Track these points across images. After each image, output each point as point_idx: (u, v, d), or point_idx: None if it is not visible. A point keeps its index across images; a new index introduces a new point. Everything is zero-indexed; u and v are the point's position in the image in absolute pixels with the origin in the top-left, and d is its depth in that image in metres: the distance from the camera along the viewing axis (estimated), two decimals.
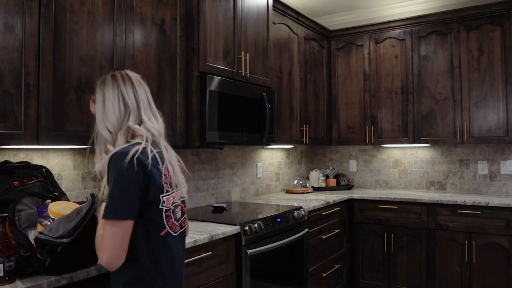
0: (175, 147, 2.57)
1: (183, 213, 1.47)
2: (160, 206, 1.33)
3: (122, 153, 1.27)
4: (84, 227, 1.47)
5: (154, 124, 1.41)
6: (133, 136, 1.37)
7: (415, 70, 3.89)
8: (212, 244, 2.14)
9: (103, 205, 1.28)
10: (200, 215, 2.70)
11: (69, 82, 1.83)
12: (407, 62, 3.94)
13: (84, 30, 1.89)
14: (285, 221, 2.73)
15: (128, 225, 1.25)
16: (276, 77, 3.41)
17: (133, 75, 1.45)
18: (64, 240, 1.42)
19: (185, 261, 1.94)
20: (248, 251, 2.34)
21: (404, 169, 4.27)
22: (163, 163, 1.36)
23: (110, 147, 1.36)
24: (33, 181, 1.63)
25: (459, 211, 3.39)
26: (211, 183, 3.23)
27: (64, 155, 2.17)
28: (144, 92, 1.44)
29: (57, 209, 1.51)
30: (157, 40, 2.29)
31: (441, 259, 3.46)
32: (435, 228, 3.48)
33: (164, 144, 1.42)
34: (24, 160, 1.84)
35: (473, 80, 3.63)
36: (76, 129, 1.85)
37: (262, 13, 3.07)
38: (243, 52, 2.82)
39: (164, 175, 1.36)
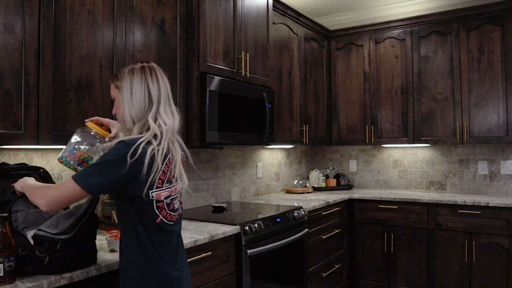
0: None
1: (180, 203, 1.55)
2: (150, 199, 1.38)
3: (126, 143, 1.32)
4: (83, 224, 1.47)
5: (168, 119, 1.45)
6: (146, 129, 1.41)
7: (415, 70, 3.89)
8: (212, 244, 2.14)
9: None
10: (200, 215, 2.70)
11: (69, 82, 1.83)
12: (407, 62, 3.94)
13: (84, 30, 1.89)
14: (285, 221, 2.73)
15: (84, 196, 1.33)
16: (276, 77, 3.41)
17: (159, 70, 1.51)
18: (63, 236, 1.42)
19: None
20: (248, 251, 2.34)
21: (404, 169, 4.27)
22: (164, 159, 1.40)
23: (121, 134, 1.42)
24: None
25: (459, 211, 3.39)
26: (211, 183, 3.23)
27: None
28: (165, 88, 1.49)
29: (99, 129, 1.57)
30: (157, 40, 2.29)
31: (441, 259, 3.46)
32: (435, 228, 3.48)
33: (172, 140, 1.45)
34: (22, 162, 1.83)
35: (473, 80, 3.63)
36: (76, 129, 1.85)
37: (262, 13, 3.08)
38: (243, 52, 2.82)
39: (163, 171, 1.40)
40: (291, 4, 3.97)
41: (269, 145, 3.15)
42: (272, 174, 4.04)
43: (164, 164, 1.39)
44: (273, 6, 3.28)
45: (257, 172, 3.79)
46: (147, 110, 1.42)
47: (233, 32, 2.77)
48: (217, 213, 2.82)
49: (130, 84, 1.43)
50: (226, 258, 2.27)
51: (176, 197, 1.49)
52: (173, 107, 1.50)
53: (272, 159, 4.04)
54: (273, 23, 3.31)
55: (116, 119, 1.58)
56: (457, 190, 3.99)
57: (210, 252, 2.12)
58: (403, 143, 3.98)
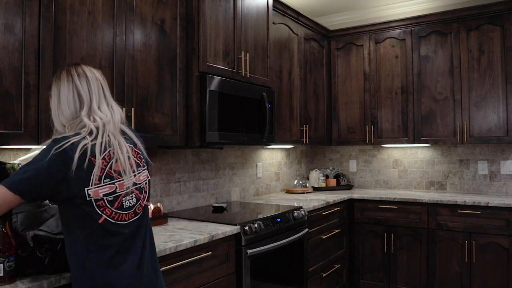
0: (175, 147, 2.58)
1: (137, 199, 1.43)
2: (88, 199, 1.30)
3: (56, 140, 1.30)
4: None
5: (105, 113, 1.40)
6: (81, 128, 1.36)
7: (415, 70, 3.89)
8: (212, 244, 2.14)
9: None
10: (200, 215, 2.70)
11: None
12: (407, 62, 3.94)
13: (84, 30, 1.89)
14: (285, 221, 2.73)
15: (16, 200, 1.27)
16: (276, 77, 3.41)
17: (88, 70, 1.45)
18: (63, 236, 1.42)
19: (185, 261, 1.95)
20: (248, 251, 2.34)
21: (404, 169, 4.27)
22: (102, 153, 1.33)
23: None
24: None
25: (459, 211, 3.39)
26: (211, 183, 3.23)
27: None
28: (97, 85, 1.44)
29: None
30: (157, 40, 2.29)
31: (441, 259, 3.46)
32: (435, 228, 3.48)
33: (114, 133, 1.39)
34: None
35: (473, 80, 3.63)
36: None
37: (262, 13, 3.08)
38: (243, 52, 2.82)
39: (101, 168, 1.32)
40: (291, 4, 3.97)
41: (269, 145, 3.15)
42: (272, 174, 4.04)
43: (101, 159, 1.32)
44: (273, 6, 3.28)
45: (257, 172, 3.79)
46: (78, 111, 1.39)
47: (233, 32, 2.77)
48: (217, 213, 2.82)
49: (58, 90, 1.40)
50: (226, 258, 2.27)
51: (127, 193, 1.38)
52: (111, 100, 1.46)
53: (272, 159, 4.04)
54: (273, 23, 3.31)
55: None
56: (457, 190, 3.99)
57: (210, 252, 2.12)
58: (403, 143, 3.98)
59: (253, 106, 2.89)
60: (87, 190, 1.29)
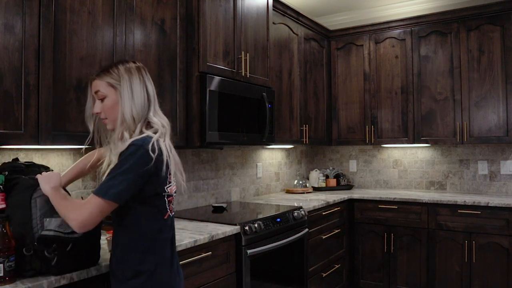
0: (175, 147, 2.58)
1: None
2: (164, 194, 1.42)
3: (139, 145, 1.32)
4: None
5: (166, 120, 1.49)
6: (147, 127, 1.43)
7: (415, 70, 3.89)
8: (212, 244, 2.14)
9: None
10: (200, 215, 2.70)
11: (69, 82, 1.83)
12: (407, 62, 3.94)
13: (84, 30, 1.89)
14: (285, 221, 2.73)
15: (114, 208, 1.33)
16: (276, 77, 3.40)
17: (147, 71, 1.53)
18: (76, 235, 1.43)
19: (185, 261, 1.96)
20: (248, 251, 2.34)
21: (404, 169, 4.27)
22: (169, 156, 1.42)
23: (126, 134, 1.39)
24: None
25: (459, 211, 3.39)
26: (211, 183, 3.23)
27: (64, 155, 2.17)
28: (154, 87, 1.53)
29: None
30: (157, 40, 2.29)
31: (441, 259, 3.46)
32: (435, 228, 3.48)
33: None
34: (30, 161, 1.83)
35: (473, 80, 3.63)
36: (76, 129, 1.85)
37: (262, 13, 3.07)
38: (243, 52, 2.82)
39: (169, 167, 1.43)
40: (291, 4, 3.97)
41: (269, 145, 3.15)
42: (272, 174, 4.04)
43: (171, 159, 1.43)
44: (273, 6, 3.28)
45: (257, 172, 3.79)
46: (147, 109, 1.44)
47: (233, 32, 2.77)
48: (217, 213, 2.82)
49: (130, 83, 1.42)
50: (226, 258, 2.27)
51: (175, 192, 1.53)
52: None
53: (272, 159, 4.04)
54: (273, 23, 3.31)
55: (97, 120, 1.53)
56: (457, 190, 3.99)
57: (210, 252, 2.12)
58: (403, 143, 3.98)
59: (253, 106, 2.89)
60: (166, 187, 1.42)
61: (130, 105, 1.40)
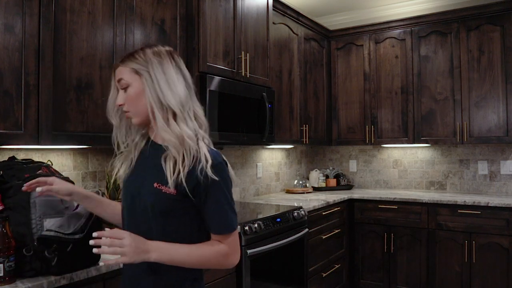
0: None
1: None
2: None
3: (222, 162, 1.20)
4: (91, 223, 1.48)
5: (201, 107, 1.29)
6: (195, 117, 1.24)
7: (415, 70, 3.89)
8: None
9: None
10: None
11: (69, 82, 1.83)
12: (407, 62, 3.94)
13: (84, 30, 1.89)
14: (285, 221, 2.73)
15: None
16: (276, 77, 3.40)
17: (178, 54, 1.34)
18: (77, 236, 1.42)
19: None
20: (248, 251, 2.34)
21: (404, 169, 4.27)
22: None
23: (184, 126, 1.19)
24: (44, 172, 1.62)
25: (459, 211, 3.39)
26: None
27: (64, 155, 2.17)
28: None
29: None
30: (157, 40, 2.29)
31: (441, 259, 3.46)
32: (435, 228, 3.48)
33: None
34: (29, 158, 1.84)
35: (473, 80, 3.63)
36: (76, 129, 1.85)
37: (262, 13, 3.07)
38: (243, 52, 2.82)
39: None
40: (291, 4, 3.97)
41: (269, 145, 3.15)
42: (272, 174, 4.04)
43: None
44: (273, 6, 3.28)
45: (257, 172, 3.79)
46: (189, 97, 1.23)
47: (233, 32, 2.77)
48: None
49: (161, 67, 1.20)
50: None
51: None
52: None
53: (272, 159, 4.04)
54: (273, 23, 3.30)
55: (121, 112, 1.28)
56: (457, 190, 3.99)
57: None
58: (403, 143, 3.98)
59: (253, 106, 2.89)
60: None
61: (168, 90, 1.18)
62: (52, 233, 1.41)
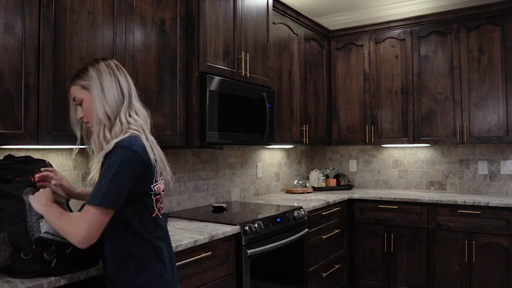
0: (175, 147, 2.58)
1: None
2: (152, 193, 1.41)
3: (125, 147, 1.31)
4: None
5: (142, 112, 1.46)
6: (128, 124, 1.40)
7: (415, 70, 3.89)
8: (212, 244, 2.14)
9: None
10: (200, 215, 2.70)
11: (69, 82, 1.82)
12: (407, 62, 3.94)
13: (84, 30, 1.89)
14: (285, 221, 2.73)
15: (112, 213, 1.31)
16: (276, 77, 3.40)
17: (121, 66, 1.50)
18: None
19: (185, 261, 1.96)
20: (248, 251, 2.34)
21: (404, 169, 4.27)
22: (154, 154, 1.41)
23: (108, 134, 1.37)
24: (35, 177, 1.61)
25: (459, 211, 3.39)
26: (211, 183, 3.23)
27: (64, 155, 2.17)
28: (132, 83, 1.50)
29: None
30: (157, 40, 2.29)
31: (441, 259, 3.46)
32: (435, 228, 3.48)
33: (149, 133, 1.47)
34: (28, 155, 1.82)
35: (473, 80, 3.63)
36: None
37: (262, 13, 3.07)
38: (243, 52, 2.82)
39: (156, 166, 1.42)
40: (291, 4, 3.97)
41: (269, 145, 3.15)
42: (272, 174, 4.04)
43: (155, 158, 1.41)
44: (273, 6, 3.28)
45: (257, 172, 3.79)
46: (120, 105, 1.41)
47: (233, 32, 2.77)
48: (217, 213, 2.82)
49: (99, 81, 1.40)
50: (226, 258, 2.27)
51: (163, 190, 1.52)
52: (140, 102, 1.50)
53: (272, 159, 4.04)
54: (273, 23, 3.31)
55: (82, 124, 1.52)
56: (457, 190, 3.99)
57: (210, 252, 2.12)
58: (403, 143, 3.98)
59: (253, 106, 2.89)
60: (153, 186, 1.41)
61: (102, 102, 1.38)
62: (49, 236, 1.39)
